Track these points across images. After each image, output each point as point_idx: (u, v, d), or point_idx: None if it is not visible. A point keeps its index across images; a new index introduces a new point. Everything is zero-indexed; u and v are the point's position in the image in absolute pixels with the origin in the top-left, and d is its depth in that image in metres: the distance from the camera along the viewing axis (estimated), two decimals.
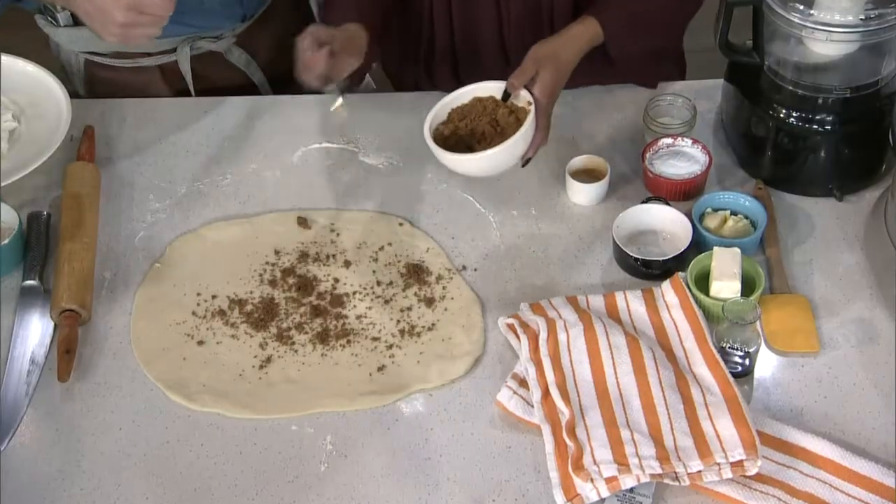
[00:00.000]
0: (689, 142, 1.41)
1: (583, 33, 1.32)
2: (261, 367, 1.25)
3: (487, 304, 1.30)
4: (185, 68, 1.55)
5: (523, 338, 1.22)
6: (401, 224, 1.40)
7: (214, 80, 1.58)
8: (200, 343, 1.27)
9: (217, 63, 1.58)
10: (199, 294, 1.33)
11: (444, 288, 1.32)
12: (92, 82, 1.60)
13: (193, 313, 1.31)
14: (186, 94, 1.58)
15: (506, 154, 1.26)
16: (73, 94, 1.57)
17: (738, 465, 1.08)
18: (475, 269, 1.35)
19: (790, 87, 1.34)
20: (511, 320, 1.25)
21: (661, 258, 1.30)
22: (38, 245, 1.37)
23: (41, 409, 1.23)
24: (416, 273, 1.33)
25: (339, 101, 1.33)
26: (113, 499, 1.14)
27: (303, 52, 1.27)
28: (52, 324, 1.29)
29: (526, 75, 1.28)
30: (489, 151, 1.25)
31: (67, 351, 1.24)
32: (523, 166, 1.30)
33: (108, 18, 1.27)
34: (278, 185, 1.47)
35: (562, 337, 1.20)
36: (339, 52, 1.29)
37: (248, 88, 1.61)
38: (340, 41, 1.29)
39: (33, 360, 1.26)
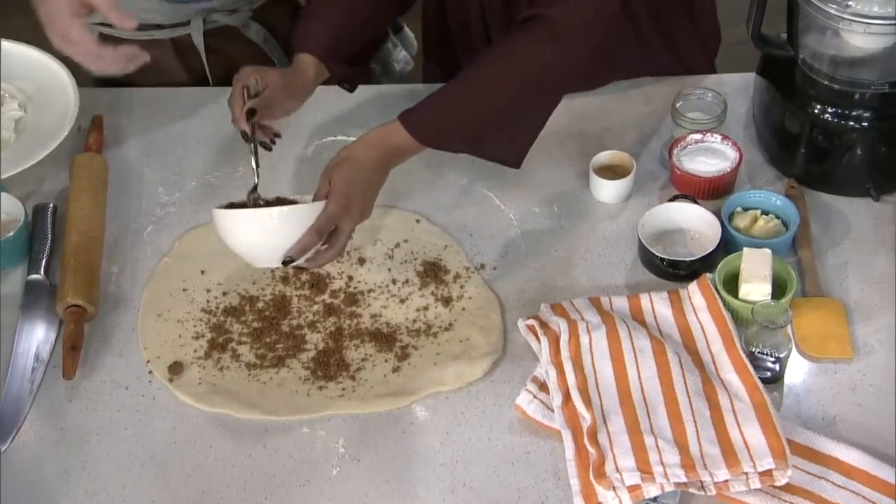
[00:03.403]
0: (719, 138, 1.41)
1: (385, 135, 1.24)
2: (272, 366, 1.26)
3: (506, 305, 1.30)
4: (199, 41, 1.54)
5: (544, 340, 1.22)
6: (417, 220, 1.41)
7: (230, 57, 1.56)
8: (210, 341, 1.28)
9: (233, 38, 1.56)
10: (208, 290, 1.34)
11: (461, 287, 1.32)
12: None
13: (203, 310, 1.32)
14: (200, 70, 1.57)
15: (264, 224, 1.17)
16: (82, 78, 1.56)
17: (766, 474, 1.08)
18: (494, 268, 1.35)
19: (826, 82, 1.34)
20: (531, 321, 1.25)
21: (688, 259, 1.30)
22: (43, 238, 1.38)
23: (45, 407, 1.24)
24: (432, 271, 1.34)
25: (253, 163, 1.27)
26: (118, 501, 1.15)
27: (232, 105, 1.28)
28: (57, 319, 1.30)
29: (321, 191, 1.21)
30: (246, 212, 1.18)
31: (73, 347, 1.25)
32: (284, 264, 1.18)
33: (50, 30, 1.28)
34: (292, 178, 1.47)
35: (584, 339, 1.21)
36: (269, 101, 1.28)
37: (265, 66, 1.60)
38: (274, 86, 1.28)
39: (38, 357, 1.27)
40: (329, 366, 1.25)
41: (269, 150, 1.31)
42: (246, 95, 1.28)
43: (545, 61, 1.24)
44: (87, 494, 1.16)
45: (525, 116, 1.27)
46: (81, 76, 1.58)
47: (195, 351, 1.28)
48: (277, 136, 1.32)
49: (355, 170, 1.22)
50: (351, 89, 1.47)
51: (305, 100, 1.35)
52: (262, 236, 1.19)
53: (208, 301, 1.33)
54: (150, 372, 1.26)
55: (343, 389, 1.23)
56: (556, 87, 1.29)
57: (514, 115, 1.26)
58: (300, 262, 1.20)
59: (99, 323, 1.31)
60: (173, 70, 1.58)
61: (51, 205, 1.42)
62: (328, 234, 1.21)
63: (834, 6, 1.29)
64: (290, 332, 1.29)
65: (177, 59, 1.57)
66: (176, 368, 1.26)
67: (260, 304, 1.32)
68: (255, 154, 1.29)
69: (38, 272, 1.35)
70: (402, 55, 1.65)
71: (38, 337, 1.29)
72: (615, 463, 1.09)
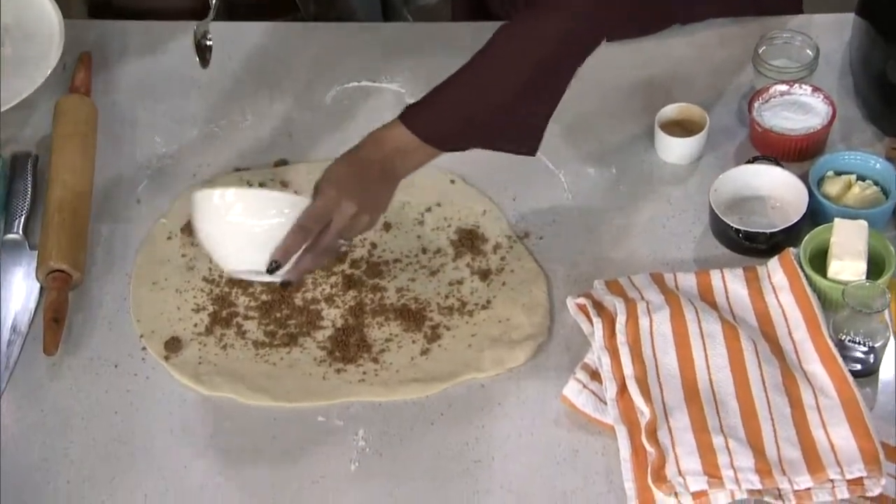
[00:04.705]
0: (809, 89, 1.39)
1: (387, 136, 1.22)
2: (283, 345, 1.26)
3: (554, 280, 1.30)
4: None
5: (597, 321, 1.22)
6: (452, 181, 1.40)
7: None
8: (212, 315, 1.29)
9: None
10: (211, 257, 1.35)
11: (502, 259, 1.32)
12: None
13: (204, 279, 1.32)
14: None
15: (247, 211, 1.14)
16: (69, 8, 1.56)
17: (856, 483, 1.08)
18: (540, 238, 1.35)
19: None
20: (582, 300, 1.25)
21: (768, 230, 1.29)
22: (22, 192, 1.39)
23: (23, 386, 1.25)
24: (469, 240, 1.34)
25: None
26: (105, 494, 1.16)
27: None
28: (37, 286, 1.31)
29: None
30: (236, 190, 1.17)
31: (55, 319, 1.26)
32: (269, 272, 1.15)
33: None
34: (308, 129, 1.48)
35: (644, 322, 1.20)
36: None
37: None
38: None
39: (15, 329, 1.29)
40: (348, 346, 1.26)
41: None
42: None
43: (548, 38, 1.21)
44: (70, 486, 1.17)
45: (538, 100, 1.25)
46: (68, 6, 1.58)
47: (195, 326, 1.28)
48: None
49: (351, 164, 1.21)
50: None
51: None
52: (232, 228, 1.15)
53: (210, 269, 1.33)
54: (144, 349, 1.27)
55: (364, 373, 1.24)
56: (567, 64, 1.25)
57: (528, 100, 1.24)
58: (284, 272, 1.16)
59: (85, 291, 1.32)
60: None
61: (31, 154, 1.43)
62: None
63: None
64: (303, 306, 1.29)
65: None
66: (173, 345, 1.27)
67: None
68: None
69: (16, 231, 1.36)
70: None
71: (15, 306, 1.31)
72: (678, 465, 1.09)
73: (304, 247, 1.16)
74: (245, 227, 1.15)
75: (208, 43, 1.39)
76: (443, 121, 1.23)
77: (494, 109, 1.23)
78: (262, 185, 1.38)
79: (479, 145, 1.26)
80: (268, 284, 1.28)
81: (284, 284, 1.22)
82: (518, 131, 1.26)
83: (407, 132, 1.22)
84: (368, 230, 1.22)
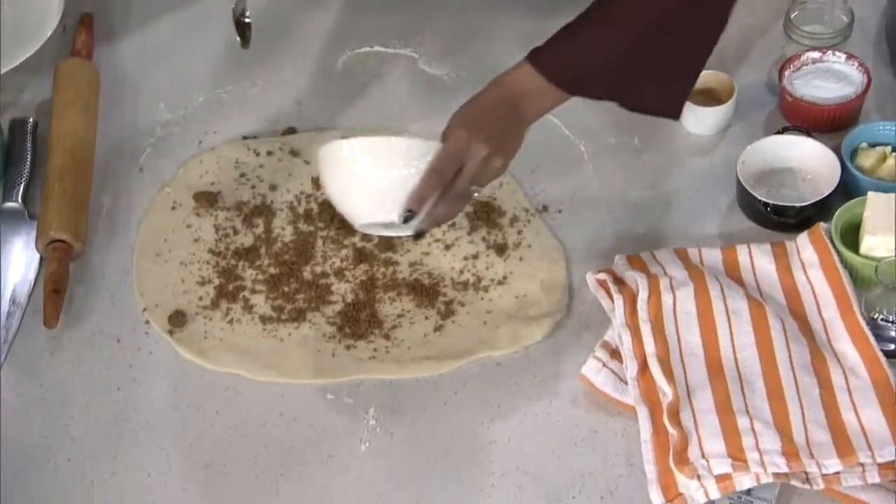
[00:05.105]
0: (843, 57, 1.39)
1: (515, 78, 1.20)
2: (291, 320, 1.26)
3: (573, 255, 1.30)
4: None
5: (617, 298, 1.22)
6: None
7: None
8: (218, 288, 1.29)
9: None
10: (217, 228, 1.34)
11: (519, 233, 1.32)
12: None
13: (210, 251, 1.32)
14: None
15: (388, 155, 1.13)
16: None
17: (888, 467, 1.07)
18: (559, 211, 1.34)
19: None
20: (603, 276, 1.25)
21: (798, 204, 1.29)
22: (21, 159, 1.40)
23: (22, 359, 1.26)
24: (485, 213, 1.34)
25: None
26: (107, 472, 1.17)
27: None
28: (37, 256, 1.32)
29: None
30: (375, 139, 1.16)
31: (56, 290, 1.27)
32: (405, 221, 1.14)
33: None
34: (318, 96, 1.48)
35: (667, 298, 1.20)
36: None
37: None
38: None
39: (14, 300, 1.29)
40: (359, 322, 1.26)
41: None
42: None
43: None
44: (70, 464, 1.18)
45: (673, 50, 1.21)
46: None
47: (200, 299, 1.29)
48: None
49: (478, 106, 1.19)
50: None
51: None
52: (361, 181, 1.13)
53: (217, 240, 1.33)
54: (147, 322, 1.28)
55: (375, 350, 1.24)
56: (703, 13, 1.22)
57: (662, 48, 1.20)
58: (419, 220, 1.15)
59: (87, 262, 1.33)
60: None
61: (30, 120, 1.43)
62: None
63: None
64: (313, 280, 1.29)
65: None
66: (177, 319, 1.27)
67: (278, 246, 1.32)
68: None
69: (14, 200, 1.37)
70: None
71: (14, 277, 1.31)
72: (701, 447, 1.09)
73: (437, 193, 1.15)
74: (374, 179, 1.14)
75: (247, 20, 1.37)
76: (572, 61, 1.20)
77: (626, 52, 1.19)
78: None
79: (612, 95, 1.23)
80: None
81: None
82: (655, 86, 1.22)
83: (535, 73, 1.19)
84: (501, 175, 1.20)
